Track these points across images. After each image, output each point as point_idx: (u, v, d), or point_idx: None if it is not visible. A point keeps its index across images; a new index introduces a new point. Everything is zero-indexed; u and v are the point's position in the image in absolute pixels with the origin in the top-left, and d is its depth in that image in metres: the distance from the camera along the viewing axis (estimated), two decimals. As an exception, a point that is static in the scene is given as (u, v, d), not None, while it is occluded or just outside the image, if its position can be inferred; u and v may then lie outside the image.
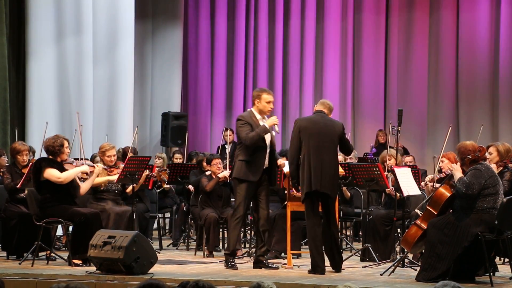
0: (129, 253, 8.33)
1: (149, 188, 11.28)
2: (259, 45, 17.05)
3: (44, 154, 9.60)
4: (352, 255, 10.16)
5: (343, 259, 9.14)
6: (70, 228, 9.53)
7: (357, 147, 15.68)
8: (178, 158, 13.59)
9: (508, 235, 8.17)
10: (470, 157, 8.21)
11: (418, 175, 10.23)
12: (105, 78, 13.85)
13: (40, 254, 9.50)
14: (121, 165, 10.22)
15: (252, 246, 10.44)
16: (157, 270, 8.62)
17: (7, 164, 10.54)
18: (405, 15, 17.04)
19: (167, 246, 11.87)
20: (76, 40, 13.32)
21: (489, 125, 16.31)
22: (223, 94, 17.05)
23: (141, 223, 10.86)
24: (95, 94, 13.60)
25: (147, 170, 10.79)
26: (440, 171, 9.45)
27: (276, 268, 9.09)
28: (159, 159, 12.75)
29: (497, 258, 9.41)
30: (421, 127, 16.85)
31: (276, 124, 9.07)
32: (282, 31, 17.12)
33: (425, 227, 8.26)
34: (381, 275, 8.64)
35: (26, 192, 9.72)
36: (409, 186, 9.39)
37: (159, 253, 10.09)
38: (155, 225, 12.56)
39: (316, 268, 8.71)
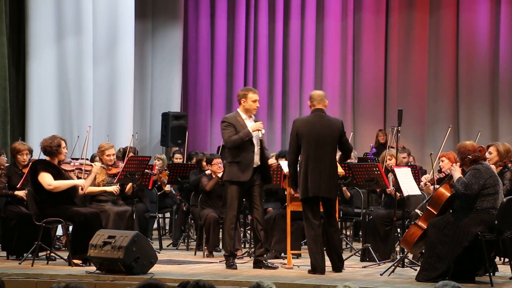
0: (129, 253, 8.33)
1: (149, 188, 11.28)
2: (259, 45, 17.05)
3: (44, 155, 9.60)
4: (352, 255, 10.16)
5: (344, 259, 9.13)
6: (70, 228, 9.53)
7: (357, 147, 15.68)
8: (178, 158, 13.59)
9: (508, 235, 8.17)
10: (470, 157, 8.21)
11: (418, 175, 10.23)
12: (105, 78, 13.85)
13: (40, 254, 9.50)
14: (120, 165, 10.22)
15: (252, 246, 10.43)
16: (157, 270, 8.62)
17: (7, 164, 10.54)
18: (405, 15, 17.04)
19: (167, 246, 11.87)
20: (76, 40, 13.31)
21: (489, 125, 16.32)
22: (223, 94, 17.06)
23: (141, 223, 10.85)
24: (95, 94, 13.59)
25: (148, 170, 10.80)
26: (440, 171, 9.45)
27: (276, 268, 9.08)
28: (158, 161, 12.73)
29: (497, 258, 9.41)
30: (421, 127, 16.85)
31: (260, 130, 9.09)
32: (282, 31, 17.12)
33: (425, 227, 8.26)
34: (381, 275, 8.64)
35: (26, 192, 9.72)
36: (409, 186, 9.39)
37: (159, 253, 10.09)
38: (155, 225, 12.56)
39: (316, 268, 8.71)
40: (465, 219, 8.05)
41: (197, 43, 17.01)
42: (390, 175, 9.94)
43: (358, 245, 11.21)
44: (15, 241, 9.86)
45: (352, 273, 8.93)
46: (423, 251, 8.44)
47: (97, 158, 10.63)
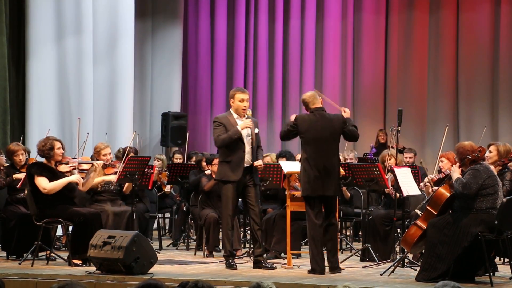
0: (129, 253, 8.33)
1: (149, 188, 11.28)
2: (259, 45, 17.04)
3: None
4: (352, 255, 10.16)
5: (344, 259, 9.13)
6: (70, 228, 9.53)
7: (357, 147, 15.68)
8: (178, 159, 13.59)
9: (508, 235, 8.18)
10: (470, 157, 8.21)
11: (418, 175, 10.23)
12: (105, 78, 13.85)
13: (40, 254, 9.49)
14: (118, 165, 10.20)
15: (252, 246, 10.43)
16: (157, 270, 8.62)
17: (6, 164, 10.53)
18: (405, 15, 17.04)
19: (167, 246, 11.87)
20: (76, 40, 13.31)
21: (489, 125, 16.31)
22: (223, 94, 17.04)
23: (141, 223, 10.85)
24: (95, 94, 13.59)
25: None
26: (439, 171, 9.46)
27: (274, 268, 9.05)
28: (158, 161, 12.73)
29: (497, 258, 9.41)
30: (421, 127, 16.86)
31: (249, 127, 9.08)
32: (282, 31, 17.12)
33: (425, 227, 8.26)
34: (381, 275, 8.64)
35: (26, 192, 9.71)
36: (409, 186, 9.39)
37: (159, 253, 10.08)
38: (155, 225, 12.56)
39: (316, 268, 8.71)
40: (465, 219, 8.05)
41: (197, 43, 17.01)
42: (390, 175, 9.94)
43: (358, 245, 11.20)
44: (15, 241, 9.86)
45: (352, 273, 8.93)
46: (423, 251, 8.44)
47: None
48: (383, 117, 17.08)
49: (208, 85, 17.07)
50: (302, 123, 8.87)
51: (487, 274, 8.18)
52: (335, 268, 8.78)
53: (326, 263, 8.82)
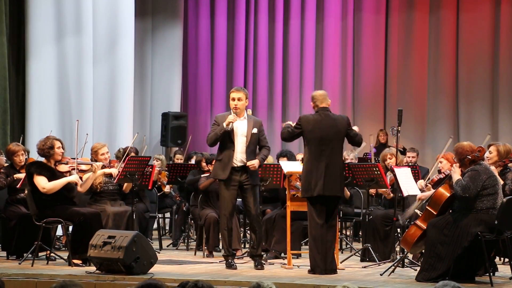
0: (129, 253, 8.33)
1: (149, 188, 11.28)
2: (259, 45, 17.04)
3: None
4: (352, 255, 10.16)
5: (344, 259, 9.13)
6: (70, 228, 9.53)
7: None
8: (179, 159, 13.58)
9: (508, 235, 8.18)
10: (470, 157, 8.20)
11: (418, 175, 10.23)
12: (105, 78, 13.84)
13: (40, 254, 9.50)
14: (116, 164, 10.19)
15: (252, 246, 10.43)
16: (157, 270, 8.62)
17: (6, 164, 10.53)
18: (405, 15, 17.04)
19: (167, 246, 11.87)
20: (76, 39, 13.31)
21: (489, 125, 16.31)
22: (223, 94, 17.03)
23: (141, 223, 10.85)
24: (95, 94, 13.59)
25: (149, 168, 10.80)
26: (439, 171, 9.45)
27: (263, 268, 9.04)
28: (157, 161, 12.72)
29: (497, 258, 9.41)
30: (421, 127, 16.85)
31: (232, 122, 9.06)
32: (282, 31, 17.11)
33: (425, 227, 8.26)
34: (381, 275, 8.64)
35: (25, 192, 9.71)
36: (408, 186, 9.39)
37: (159, 253, 10.09)
38: (155, 225, 12.56)
39: (316, 268, 8.71)
40: (465, 219, 8.05)
41: (197, 43, 17.00)
42: (389, 174, 9.95)
43: (358, 245, 11.20)
44: (15, 241, 9.86)
45: (352, 273, 8.93)
46: (423, 251, 8.44)
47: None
48: (383, 117, 17.08)
49: (208, 85, 17.06)
50: (306, 123, 8.86)
51: (487, 274, 8.18)
52: (332, 270, 8.76)
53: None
